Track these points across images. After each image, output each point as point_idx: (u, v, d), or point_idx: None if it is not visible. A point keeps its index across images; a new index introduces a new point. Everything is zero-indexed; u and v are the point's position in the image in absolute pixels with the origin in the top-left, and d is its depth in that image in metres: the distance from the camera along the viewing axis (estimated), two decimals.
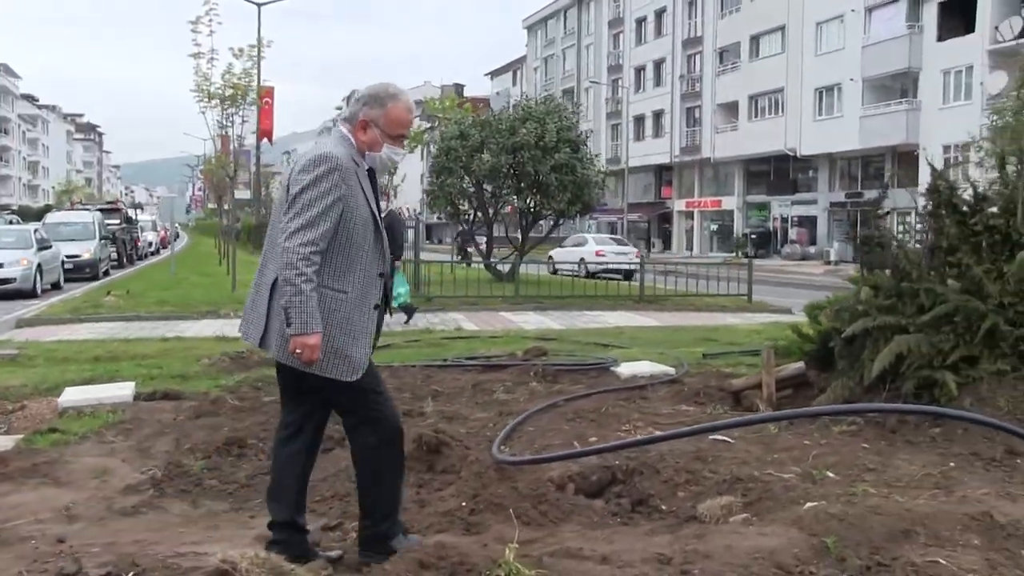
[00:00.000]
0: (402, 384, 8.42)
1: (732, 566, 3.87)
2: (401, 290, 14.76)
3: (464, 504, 4.62)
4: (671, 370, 9.31)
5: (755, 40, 55.63)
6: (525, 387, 8.30)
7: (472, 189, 26.46)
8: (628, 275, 26.49)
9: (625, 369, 9.23)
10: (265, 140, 46.76)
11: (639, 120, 68.36)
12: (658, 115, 65.99)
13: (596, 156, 29.37)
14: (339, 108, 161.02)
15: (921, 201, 7.46)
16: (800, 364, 7.32)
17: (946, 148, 38.12)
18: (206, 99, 20.04)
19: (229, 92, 20.09)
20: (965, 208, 6.89)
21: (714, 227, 62.15)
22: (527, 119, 25.04)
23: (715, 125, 58.88)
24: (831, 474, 5.36)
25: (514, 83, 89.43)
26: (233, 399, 7.65)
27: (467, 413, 7.07)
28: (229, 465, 5.83)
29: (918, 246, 7.14)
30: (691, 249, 61.66)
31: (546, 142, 24.78)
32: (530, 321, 16.68)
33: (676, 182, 65.84)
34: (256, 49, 19.90)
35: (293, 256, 3.59)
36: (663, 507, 4.79)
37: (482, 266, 25.65)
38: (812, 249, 51.70)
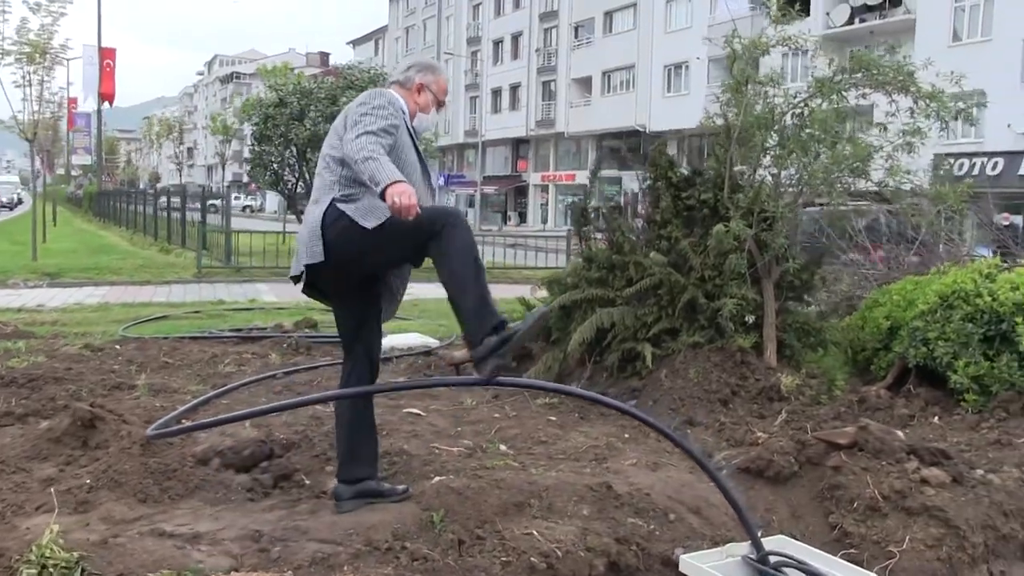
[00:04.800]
0: (136, 355, 8.09)
1: (322, 542, 3.78)
2: None
3: (88, 482, 4.40)
4: (435, 342, 9.24)
5: (608, 16, 56.06)
6: (264, 359, 8.08)
7: (294, 159, 25.87)
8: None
9: (385, 342, 9.07)
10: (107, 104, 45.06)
11: (496, 93, 68.20)
12: (515, 88, 65.96)
13: (426, 130, 28.87)
14: (200, 74, 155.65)
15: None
16: None
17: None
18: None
19: (27, 50, 18.98)
20: (682, 183, 7.00)
21: (569, 201, 62.64)
22: (349, 87, 24.46)
23: (569, 100, 59.20)
24: (504, 447, 5.35)
25: (376, 53, 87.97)
26: None
27: (178, 386, 6.79)
28: None
29: (638, 219, 7.22)
30: (546, 222, 62.01)
31: None
32: None
33: (532, 155, 66.04)
34: (56, 5, 18.73)
35: (361, 142, 3.71)
36: (306, 482, 4.66)
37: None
38: None
